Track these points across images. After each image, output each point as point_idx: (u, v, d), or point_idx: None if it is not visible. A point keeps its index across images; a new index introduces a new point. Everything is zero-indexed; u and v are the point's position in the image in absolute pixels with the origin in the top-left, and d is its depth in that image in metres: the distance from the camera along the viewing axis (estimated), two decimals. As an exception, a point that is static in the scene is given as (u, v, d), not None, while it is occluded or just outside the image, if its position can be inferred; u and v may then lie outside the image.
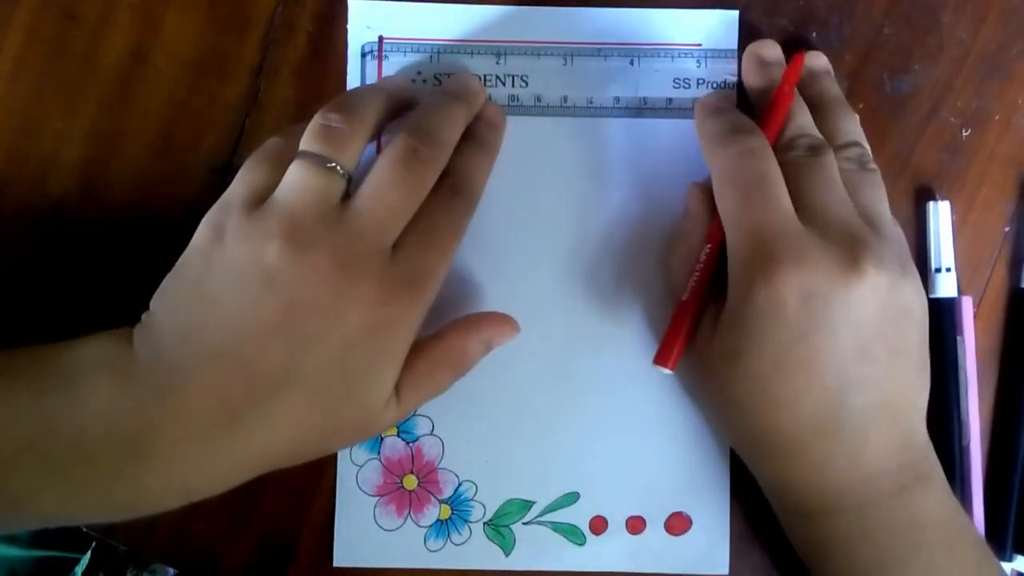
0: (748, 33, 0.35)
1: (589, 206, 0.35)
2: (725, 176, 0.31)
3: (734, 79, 0.35)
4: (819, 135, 0.32)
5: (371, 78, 0.35)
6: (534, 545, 0.35)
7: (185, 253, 0.29)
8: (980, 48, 0.36)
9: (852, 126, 0.33)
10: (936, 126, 0.36)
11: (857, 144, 0.33)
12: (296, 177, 0.29)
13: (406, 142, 0.30)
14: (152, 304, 0.29)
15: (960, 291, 0.35)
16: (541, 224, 0.35)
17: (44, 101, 0.35)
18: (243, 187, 0.30)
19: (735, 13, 0.36)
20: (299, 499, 0.35)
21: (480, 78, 0.35)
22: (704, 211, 0.33)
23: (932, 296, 0.35)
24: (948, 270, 0.35)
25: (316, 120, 0.30)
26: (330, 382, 0.29)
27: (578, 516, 0.35)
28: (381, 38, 0.35)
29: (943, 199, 0.35)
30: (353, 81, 0.35)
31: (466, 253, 0.34)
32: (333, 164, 0.29)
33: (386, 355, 0.30)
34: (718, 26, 0.35)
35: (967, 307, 0.35)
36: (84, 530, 0.35)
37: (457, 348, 0.32)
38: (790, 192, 0.30)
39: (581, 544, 0.35)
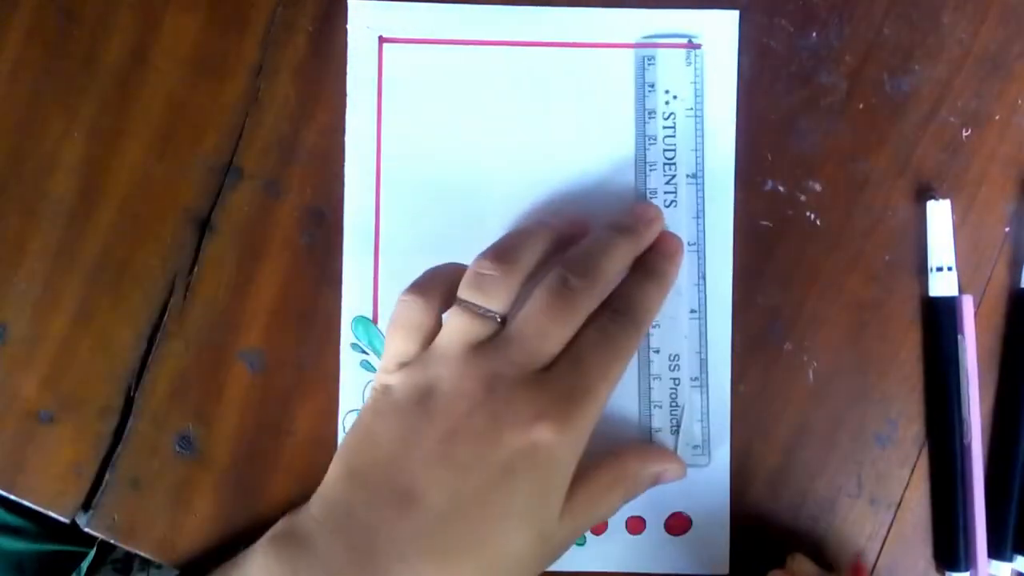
0: (748, 33, 0.36)
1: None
2: None
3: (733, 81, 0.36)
4: None
5: (371, 78, 0.35)
6: (534, 545, 0.35)
7: (356, 417, 0.32)
8: (980, 48, 0.36)
9: None
10: (936, 126, 0.36)
11: None
12: (454, 325, 0.31)
13: (558, 273, 0.31)
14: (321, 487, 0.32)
15: (960, 290, 0.35)
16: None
17: (44, 101, 0.35)
18: (392, 359, 0.32)
19: (735, 13, 0.36)
20: (302, 500, 0.35)
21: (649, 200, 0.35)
22: None
23: (932, 295, 0.35)
24: (949, 269, 0.35)
25: (473, 268, 0.31)
26: (493, 506, 0.29)
27: (578, 516, 0.35)
28: (381, 38, 0.35)
29: (943, 199, 0.35)
30: (353, 81, 0.35)
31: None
32: (487, 311, 0.30)
33: (548, 476, 0.30)
34: (718, 26, 0.36)
35: (968, 305, 0.35)
36: (84, 530, 0.35)
37: (632, 473, 0.33)
38: None
39: (581, 544, 0.35)
